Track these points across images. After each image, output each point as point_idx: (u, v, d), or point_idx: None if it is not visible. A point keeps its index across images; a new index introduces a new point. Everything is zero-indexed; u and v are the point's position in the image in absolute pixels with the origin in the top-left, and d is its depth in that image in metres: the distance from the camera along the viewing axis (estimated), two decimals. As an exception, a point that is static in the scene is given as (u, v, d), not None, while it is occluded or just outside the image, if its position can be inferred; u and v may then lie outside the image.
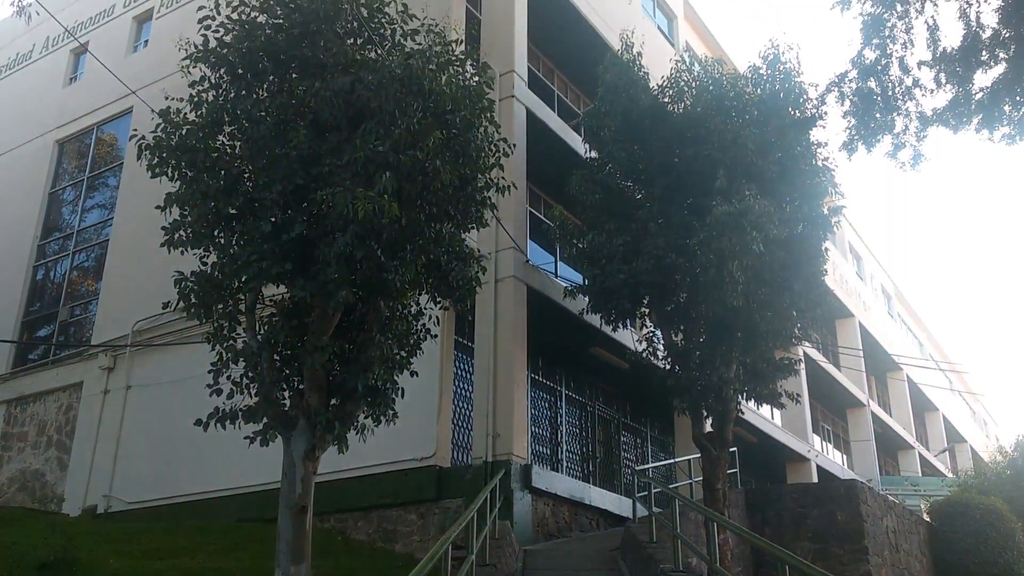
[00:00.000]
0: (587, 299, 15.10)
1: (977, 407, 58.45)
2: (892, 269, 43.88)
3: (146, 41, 22.94)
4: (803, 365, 24.36)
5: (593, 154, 15.91)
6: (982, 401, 59.01)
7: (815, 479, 26.57)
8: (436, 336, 11.69)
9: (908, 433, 37.98)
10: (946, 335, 53.90)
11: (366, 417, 10.47)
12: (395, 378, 10.60)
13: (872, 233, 41.91)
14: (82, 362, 19.87)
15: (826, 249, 15.31)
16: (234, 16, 10.42)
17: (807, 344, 24.19)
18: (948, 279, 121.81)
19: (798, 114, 14.52)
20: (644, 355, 15.31)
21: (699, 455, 14.87)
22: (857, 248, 38.62)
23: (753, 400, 15.26)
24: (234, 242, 10.03)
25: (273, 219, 9.71)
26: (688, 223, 13.95)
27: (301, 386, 10.17)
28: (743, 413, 15.18)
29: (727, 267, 12.75)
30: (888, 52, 12.05)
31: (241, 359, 10.11)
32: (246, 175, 10.17)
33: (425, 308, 11.14)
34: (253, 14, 10.45)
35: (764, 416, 24.27)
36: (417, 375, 11.12)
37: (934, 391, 42.62)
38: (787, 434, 26.22)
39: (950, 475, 38.14)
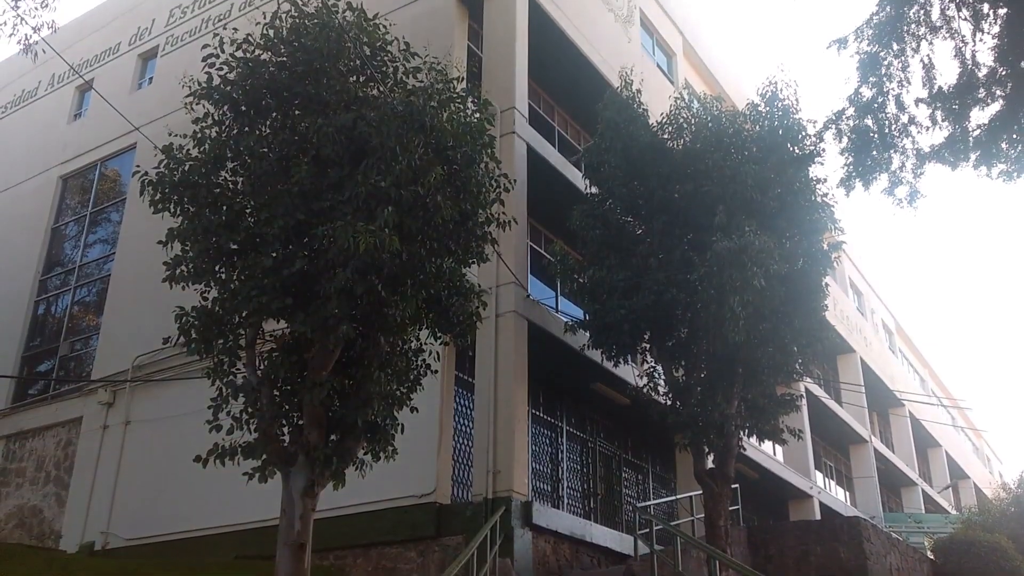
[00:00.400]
0: (588, 334, 15.09)
1: (980, 443, 58.13)
2: (893, 305, 43.88)
3: (150, 78, 23.16)
4: (805, 401, 24.26)
5: (593, 190, 15.99)
6: (985, 437, 58.69)
7: (818, 516, 26.35)
8: (436, 372, 11.67)
9: (911, 469, 37.73)
10: (948, 371, 53.79)
11: (365, 453, 10.42)
12: (395, 414, 10.57)
13: (873, 269, 41.96)
14: (81, 397, 19.81)
15: (826, 284, 15.34)
16: (238, 54, 10.55)
17: (808, 380, 24.15)
18: (950, 314, 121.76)
19: (797, 150, 14.64)
20: (645, 391, 15.26)
21: (701, 492, 14.77)
22: (857, 284, 38.64)
23: (755, 436, 15.20)
24: (235, 277, 10.06)
25: (274, 254, 9.74)
26: (689, 258, 13.99)
27: (300, 422, 10.14)
28: (745, 449, 15.11)
29: (728, 302, 12.77)
30: (885, 90, 12.16)
31: (241, 395, 10.09)
32: (248, 210, 10.22)
33: (425, 343, 11.14)
34: (257, 52, 10.57)
35: (766, 452, 24.14)
36: (417, 411, 11.08)
37: (936, 427, 42.40)
38: (789, 470, 26.05)
39: (954, 512, 37.83)
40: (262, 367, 10.26)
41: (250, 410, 10.07)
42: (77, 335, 21.48)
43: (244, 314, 9.96)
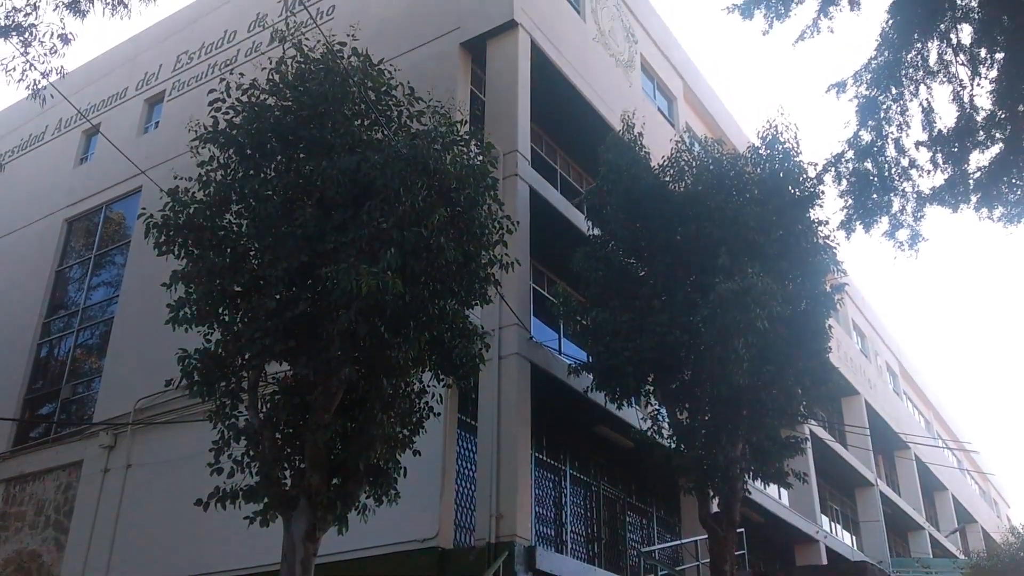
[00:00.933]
0: (591, 376, 15.04)
1: (987, 487, 57.57)
2: (896, 346, 43.76)
3: (157, 123, 23.39)
4: (810, 444, 24.07)
5: (596, 231, 16.04)
6: (992, 481, 58.14)
7: (824, 561, 26.02)
8: (439, 414, 11.62)
9: (918, 513, 37.34)
10: (953, 413, 53.39)
11: (368, 497, 10.35)
12: (397, 457, 10.52)
13: (876, 310, 41.91)
14: (82, 440, 19.71)
15: (830, 326, 15.31)
16: (244, 98, 10.68)
17: (813, 422, 24.00)
18: (954, 356, 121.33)
19: (798, 193, 14.71)
20: (649, 433, 15.18)
21: (706, 536, 14.61)
22: (861, 326, 38.57)
23: (760, 479, 15.07)
24: (238, 319, 10.09)
25: (278, 296, 9.77)
26: (692, 300, 13.99)
27: (302, 465, 10.08)
28: (750, 493, 14.99)
29: (731, 344, 12.75)
30: (884, 133, 12.26)
31: (242, 437, 10.05)
32: (252, 253, 10.27)
33: (428, 386, 11.11)
34: (263, 97, 10.70)
35: (771, 496, 23.91)
36: (420, 454, 11.01)
37: (943, 470, 42.03)
38: (795, 514, 25.78)
39: (962, 556, 37.34)
40: (264, 410, 10.23)
41: (251, 453, 10.03)
42: (79, 378, 21.43)
43: (247, 356, 9.96)
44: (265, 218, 10.12)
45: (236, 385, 10.28)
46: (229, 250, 10.22)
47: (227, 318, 10.19)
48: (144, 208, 10.94)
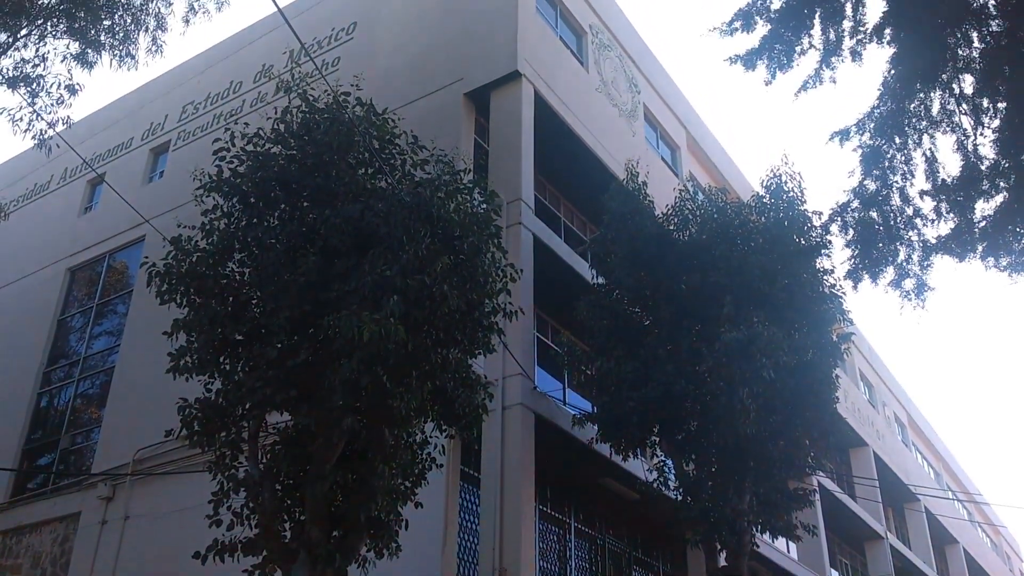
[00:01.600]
0: (596, 427, 14.87)
1: (998, 540, 56.70)
2: (904, 397, 43.43)
3: (161, 172, 23.52)
4: (818, 496, 23.74)
5: (600, 280, 15.99)
6: (1004, 533, 57.29)
7: (835, 617, 25.50)
8: (441, 466, 11.45)
9: (928, 567, 36.68)
10: (963, 464, 52.85)
11: (368, 550, 10.15)
12: (399, 509, 10.34)
13: (883, 360, 41.68)
14: (80, 492, 19.47)
15: (837, 376, 15.18)
16: (248, 147, 10.70)
17: (821, 474, 23.68)
18: (963, 406, 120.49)
19: (803, 242, 14.69)
20: (655, 485, 14.95)
21: (714, 591, 14.30)
22: (868, 376, 38.32)
23: (768, 532, 14.81)
24: (239, 368, 9.99)
25: (279, 345, 9.69)
26: (697, 350, 13.87)
27: (302, 517, 9.91)
28: (758, 546, 14.70)
29: (737, 394, 12.63)
30: (889, 182, 12.25)
31: (242, 489, 9.90)
32: (254, 301, 10.22)
33: (430, 437, 10.97)
34: (267, 146, 10.73)
35: (780, 549, 23.50)
36: (422, 506, 10.82)
37: (954, 523, 41.42)
38: (804, 568, 25.31)
39: (975, 612, 36.61)
40: (264, 460, 10.09)
41: (251, 505, 9.86)
42: (79, 428, 21.26)
43: (247, 406, 9.86)
44: (268, 266, 10.08)
45: (236, 435, 10.16)
46: (231, 298, 10.18)
47: (228, 367, 10.10)
48: (147, 257, 10.91)
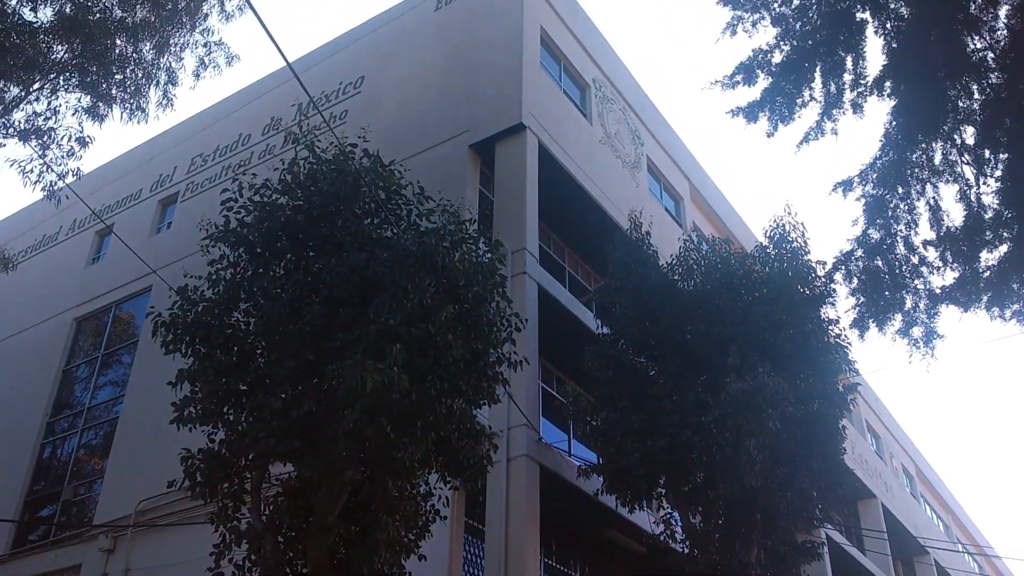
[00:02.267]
0: (601, 479, 14.74)
1: (1011, 594, 55.67)
2: (912, 448, 43.03)
3: (169, 223, 23.71)
4: (826, 548, 23.41)
5: (605, 330, 15.98)
6: (1016, 588, 56.23)
7: (846, 674, 24.95)
8: (445, 518, 11.35)
9: (940, 622, 36.02)
10: (973, 516, 52.12)
11: (371, 604, 10.01)
12: (402, 562, 10.23)
13: (890, 411, 41.39)
14: (82, 544, 19.28)
15: (843, 427, 15.07)
16: (256, 198, 10.80)
17: (829, 526, 23.39)
18: (972, 457, 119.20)
19: (808, 291, 14.69)
20: (662, 538, 14.77)
21: (722, 647, 14.04)
22: (875, 426, 38.02)
23: (777, 586, 14.57)
24: (243, 419, 9.96)
25: (283, 395, 9.67)
26: (703, 400, 13.80)
27: (304, 570, 9.81)
28: (767, 600, 14.45)
29: (744, 445, 12.53)
30: (893, 231, 12.30)
31: (244, 541, 9.81)
32: (259, 351, 10.22)
33: (434, 488, 10.88)
34: (274, 196, 10.82)
35: (789, 604, 23.10)
36: (425, 559, 10.70)
37: (964, 576, 40.74)
38: (814, 624, 24.86)
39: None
40: (267, 512, 10.01)
41: (253, 557, 9.76)
42: (81, 479, 21.14)
43: (250, 457, 9.80)
44: (273, 316, 10.11)
45: (239, 486, 10.09)
46: (236, 348, 10.19)
47: (232, 417, 10.08)
48: (153, 307, 10.96)
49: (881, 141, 12.13)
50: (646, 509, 15.72)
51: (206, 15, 15.77)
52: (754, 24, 12.34)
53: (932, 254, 12.20)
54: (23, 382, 23.63)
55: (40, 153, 14.10)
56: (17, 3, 14.08)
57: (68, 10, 14.32)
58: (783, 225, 15.40)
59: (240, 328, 10.40)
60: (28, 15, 14.19)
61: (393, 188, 11.03)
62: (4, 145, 14.32)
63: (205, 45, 16.04)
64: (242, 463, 10.00)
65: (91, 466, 21.32)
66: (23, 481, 21.72)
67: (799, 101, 12.46)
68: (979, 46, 11.52)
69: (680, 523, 14.66)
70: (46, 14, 14.30)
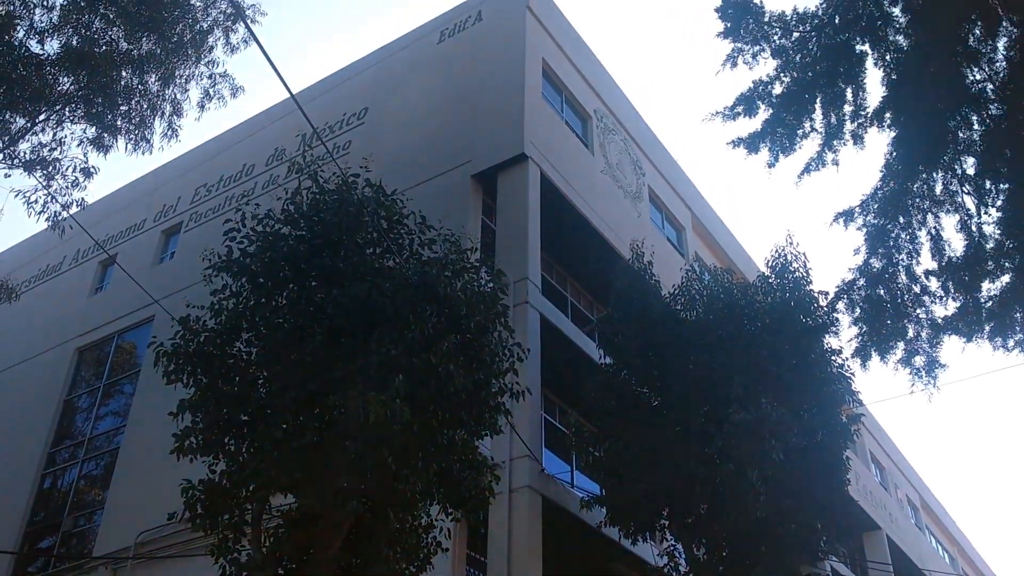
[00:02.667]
0: (604, 511, 14.64)
1: (1020, 628, 54.99)
2: (917, 479, 42.74)
3: (172, 253, 23.77)
4: (832, 581, 23.20)
5: (607, 360, 15.95)
6: (1025, 622, 55.59)
7: None
8: (447, 550, 11.25)
9: (947, 656, 35.55)
10: (979, 548, 51.66)
11: (372, 637, 9.91)
12: (404, 594, 10.12)
13: (894, 442, 41.17)
14: (82, 575, 19.14)
15: (847, 458, 14.99)
16: (259, 228, 10.83)
17: (834, 558, 23.16)
18: (977, 488, 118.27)
19: (810, 321, 14.67)
20: (665, 571, 14.64)
21: None
22: (879, 457, 37.80)
23: (782, 620, 14.42)
24: (244, 449, 9.92)
25: (284, 426, 9.63)
26: (706, 431, 13.74)
27: (305, 602, 9.71)
28: (772, 634, 14.29)
29: (747, 476, 12.46)
30: (894, 261, 12.29)
31: (245, 573, 9.72)
32: (260, 381, 10.20)
33: (436, 520, 10.80)
34: (277, 226, 10.85)
35: (794, 638, 22.84)
36: (427, 591, 10.59)
37: (972, 610, 40.27)
38: (820, 658, 24.56)
39: None
40: (267, 544, 9.93)
41: (253, 589, 9.67)
42: (81, 510, 21.01)
43: (251, 488, 9.75)
44: (275, 346, 10.10)
45: (239, 518, 10.02)
46: (237, 378, 10.16)
47: (233, 448, 10.03)
48: (155, 336, 10.96)
49: (882, 171, 12.16)
50: (649, 541, 15.59)
51: (211, 47, 15.90)
52: (754, 56, 12.42)
53: (934, 284, 12.19)
54: (25, 412, 23.57)
55: (45, 184, 14.16)
56: (24, 35, 14.23)
57: (75, 42, 14.46)
58: (785, 255, 15.42)
59: (242, 358, 10.39)
60: (35, 47, 14.33)
61: (395, 217, 11.07)
62: (10, 176, 14.40)
63: (210, 77, 16.16)
64: (243, 494, 9.93)
65: (91, 497, 21.20)
66: (23, 512, 21.59)
67: (800, 132, 12.50)
68: (978, 77, 11.58)
69: (684, 555, 14.54)
70: (53, 46, 14.45)
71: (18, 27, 14.09)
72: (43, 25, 14.46)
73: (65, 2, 14.52)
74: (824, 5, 11.96)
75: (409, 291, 9.81)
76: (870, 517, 31.02)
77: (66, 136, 14.79)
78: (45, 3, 14.43)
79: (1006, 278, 11.94)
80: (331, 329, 10.01)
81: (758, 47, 12.44)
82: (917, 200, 12.12)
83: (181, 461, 9.94)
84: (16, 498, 21.79)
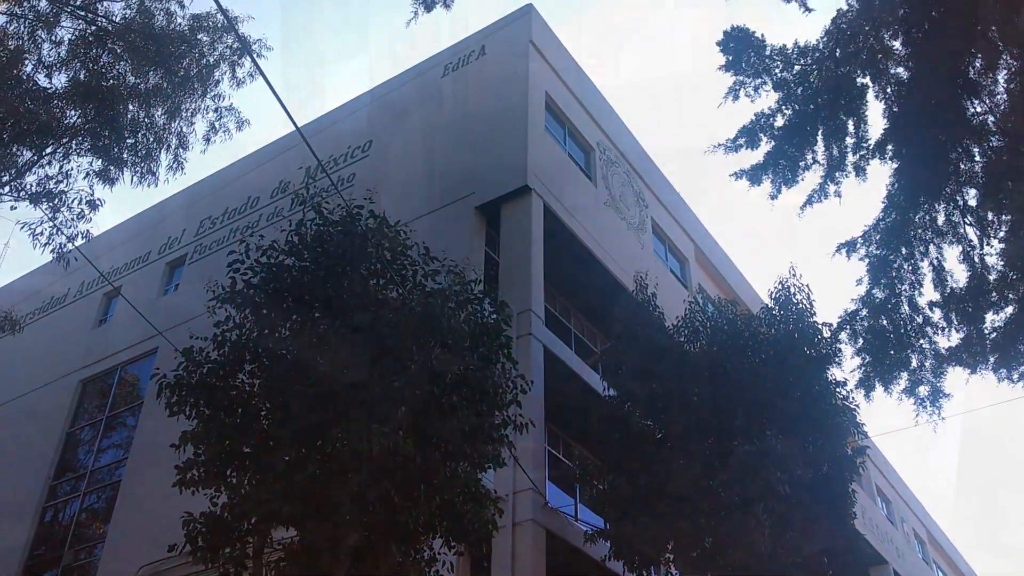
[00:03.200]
0: (608, 544, 14.51)
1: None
2: (923, 512, 42.36)
3: (176, 285, 23.81)
4: (839, 616, 22.89)
5: (611, 392, 15.88)
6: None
7: None
8: (450, 584, 11.15)
9: None
10: (988, 584, 51.04)
11: (374, 672, 9.79)
12: (406, 629, 10.02)
13: (900, 475, 40.87)
14: (80, 610, 18.99)
15: (853, 491, 14.87)
16: (263, 259, 10.85)
17: (842, 594, 22.89)
18: (984, 522, 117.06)
19: (814, 353, 14.63)
20: (670, 605, 14.50)
21: None
22: (885, 491, 37.50)
23: (789, 657, 14.23)
24: (246, 481, 9.87)
25: (287, 457, 9.59)
26: (710, 463, 13.65)
27: (307, 637, 9.61)
28: (779, 671, 14.09)
29: (752, 509, 12.35)
30: (897, 291, 12.32)
31: (245, 608, 9.64)
32: (263, 412, 10.17)
33: (438, 553, 10.71)
34: (281, 257, 10.87)
35: (802, 674, 22.51)
36: (429, 626, 10.48)
37: (981, 646, 39.71)
38: None
39: None
40: (269, 578, 9.85)
41: (254, 624, 9.58)
42: (82, 543, 20.86)
43: (253, 521, 9.68)
44: (278, 377, 10.08)
45: (241, 551, 9.94)
46: (240, 410, 10.13)
47: (235, 480, 9.98)
48: (158, 368, 10.94)
49: (884, 203, 12.23)
50: (654, 575, 15.44)
51: (217, 81, 16.07)
52: (756, 89, 12.53)
53: (937, 314, 12.20)
54: (27, 445, 23.50)
55: (50, 216, 14.23)
56: (33, 69, 14.38)
57: (82, 76, 14.61)
58: (788, 286, 15.41)
59: (244, 389, 10.37)
60: (43, 81, 14.47)
61: (399, 249, 11.09)
62: (15, 208, 14.46)
63: (216, 110, 16.31)
64: (244, 527, 9.87)
65: (92, 530, 21.06)
66: (24, 545, 21.45)
67: (802, 164, 12.58)
68: (979, 110, 11.67)
69: (689, 590, 14.38)
70: (60, 80, 14.60)
71: (27, 61, 14.25)
72: (51, 59, 14.62)
73: (73, 37, 14.70)
74: (825, 39, 12.09)
75: (412, 322, 9.80)
76: (876, 551, 30.70)
77: (72, 168, 14.90)
78: (53, 38, 14.61)
79: (1010, 309, 11.96)
80: (334, 360, 10.00)
81: (760, 80, 12.55)
82: (919, 231, 12.17)
83: (183, 493, 9.89)
84: (17, 531, 21.65)
